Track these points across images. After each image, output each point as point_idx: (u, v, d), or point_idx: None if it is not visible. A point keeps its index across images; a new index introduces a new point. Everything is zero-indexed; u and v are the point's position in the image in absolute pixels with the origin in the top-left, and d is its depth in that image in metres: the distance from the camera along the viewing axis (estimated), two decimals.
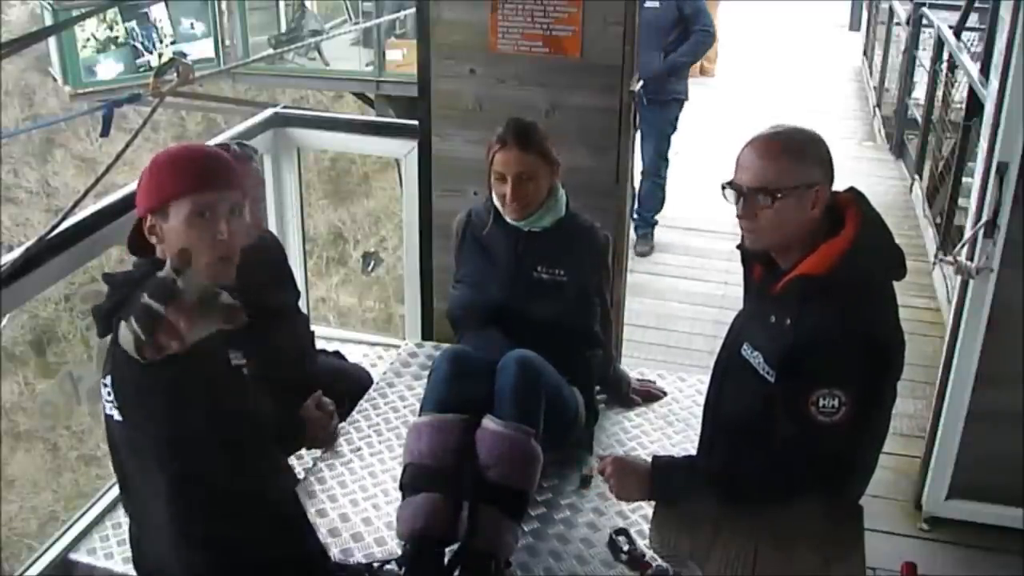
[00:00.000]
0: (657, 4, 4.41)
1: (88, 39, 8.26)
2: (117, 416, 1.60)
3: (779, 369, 1.73)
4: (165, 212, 1.62)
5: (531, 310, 2.41)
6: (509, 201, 2.39)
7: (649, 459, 1.93)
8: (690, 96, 4.79)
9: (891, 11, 7.82)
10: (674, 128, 4.75)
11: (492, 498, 2.05)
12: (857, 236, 1.72)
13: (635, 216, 4.66)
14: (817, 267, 1.71)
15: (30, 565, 2.27)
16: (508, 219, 2.44)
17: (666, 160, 4.80)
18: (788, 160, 1.73)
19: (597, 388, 2.72)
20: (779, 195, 1.71)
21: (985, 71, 3.79)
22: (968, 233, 2.62)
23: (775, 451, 1.75)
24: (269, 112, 3.24)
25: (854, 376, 1.68)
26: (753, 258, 1.89)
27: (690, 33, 4.56)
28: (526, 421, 2.14)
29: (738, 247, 1.90)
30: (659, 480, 1.86)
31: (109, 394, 1.59)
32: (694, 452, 2.54)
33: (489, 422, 2.13)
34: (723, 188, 1.78)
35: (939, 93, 5.44)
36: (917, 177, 5.75)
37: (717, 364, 1.97)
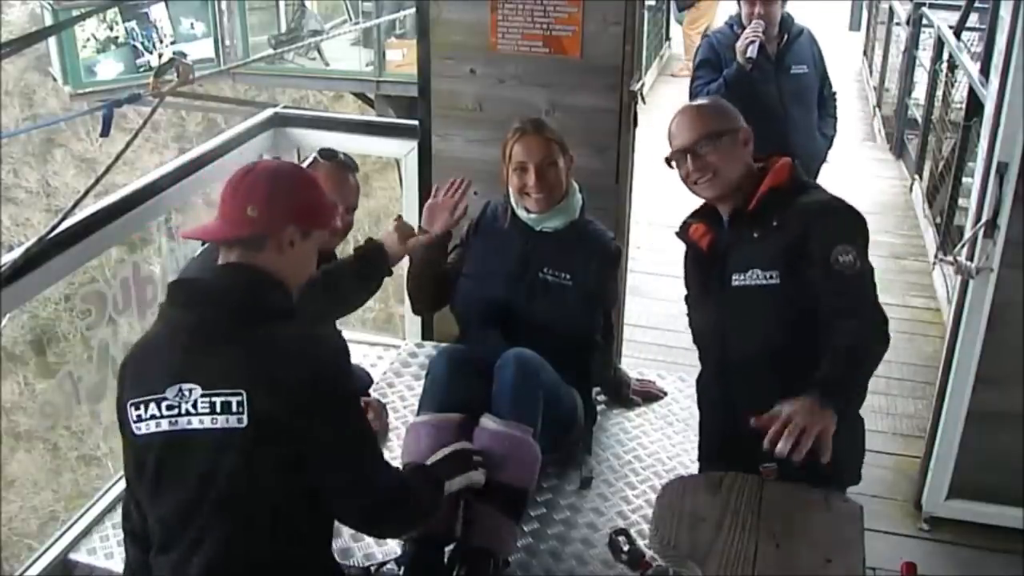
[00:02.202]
0: (805, 69, 3.61)
1: (88, 39, 8.27)
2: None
3: (781, 266, 1.95)
4: (310, 234, 1.69)
5: (532, 311, 2.40)
6: (533, 191, 2.38)
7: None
8: None
9: (891, 11, 7.83)
10: None
11: (491, 497, 2.05)
12: (789, 162, 2.08)
13: None
14: (777, 181, 2.04)
15: (30, 565, 2.27)
16: (528, 212, 2.42)
17: None
18: (713, 112, 2.12)
19: (597, 389, 2.72)
20: (721, 136, 2.04)
21: (985, 71, 3.79)
22: (968, 233, 2.62)
23: (851, 317, 1.89)
24: (269, 112, 3.24)
25: (852, 233, 1.93)
26: (695, 223, 2.15)
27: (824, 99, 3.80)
28: (524, 420, 2.14)
29: (676, 233, 2.19)
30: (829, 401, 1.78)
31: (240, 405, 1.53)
32: (694, 452, 2.55)
33: (487, 421, 2.13)
34: (668, 161, 2.10)
35: (939, 93, 5.45)
36: (917, 177, 5.75)
37: (709, 308, 2.15)
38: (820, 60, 3.67)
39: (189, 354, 1.56)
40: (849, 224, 1.96)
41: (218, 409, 1.52)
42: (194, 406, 1.53)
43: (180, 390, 1.54)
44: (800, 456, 1.70)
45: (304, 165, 2.33)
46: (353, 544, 2.18)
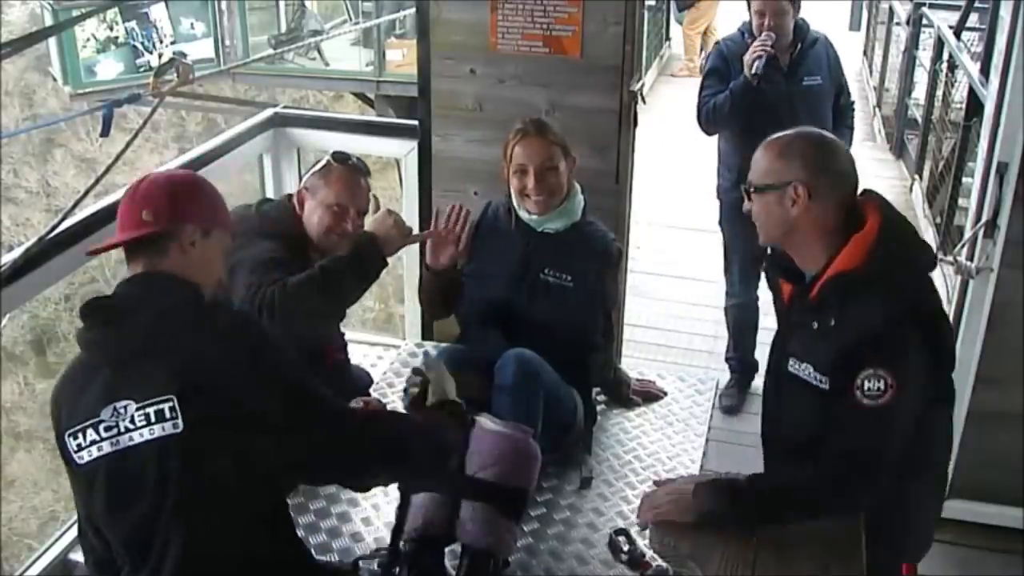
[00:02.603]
0: (818, 80, 3.39)
1: (88, 39, 8.26)
2: None
3: (831, 373, 1.72)
4: (210, 233, 1.73)
5: (533, 312, 2.40)
6: (533, 193, 2.37)
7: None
8: (695, 101, 4.34)
9: (891, 11, 7.83)
10: None
11: (490, 498, 2.03)
12: (881, 229, 1.73)
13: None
14: (848, 263, 1.72)
15: (30, 565, 2.27)
16: (529, 213, 2.42)
17: None
18: (766, 158, 1.81)
19: (597, 390, 2.71)
20: (753, 190, 1.81)
21: (985, 71, 3.79)
22: (968, 233, 2.63)
23: (824, 452, 1.70)
24: (269, 112, 3.25)
25: (899, 357, 1.66)
26: (778, 273, 1.91)
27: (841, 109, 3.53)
28: (525, 420, 2.13)
29: (763, 270, 1.98)
30: (703, 497, 1.78)
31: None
32: (694, 452, 2.55)
33: (487, 421, 2.12)
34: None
35: (939, 93, 5.45)
36: (917, 177, 5.75)
37: (766, 392, 1.95)
38: (836, 68, 3.47)
39: (117, 371, 1.56)
40: (899, 347, 1.67)
41: (153, 419, 1.53)
42: (131, 421, 1.53)
43: (115, 409, 1.54)
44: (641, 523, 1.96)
45: (317, 168, 2.32)
46: (353, 544, 2.18)
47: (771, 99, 3.21)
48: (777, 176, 1.77)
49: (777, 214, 1.78)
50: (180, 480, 1.53)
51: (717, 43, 3.51)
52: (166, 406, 1.52)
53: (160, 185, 1.67)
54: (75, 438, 1.57)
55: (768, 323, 2.09)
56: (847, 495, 1.71)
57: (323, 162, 2.32)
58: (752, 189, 1.81)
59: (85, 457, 1.56)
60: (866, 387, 1.64)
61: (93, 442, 1.55)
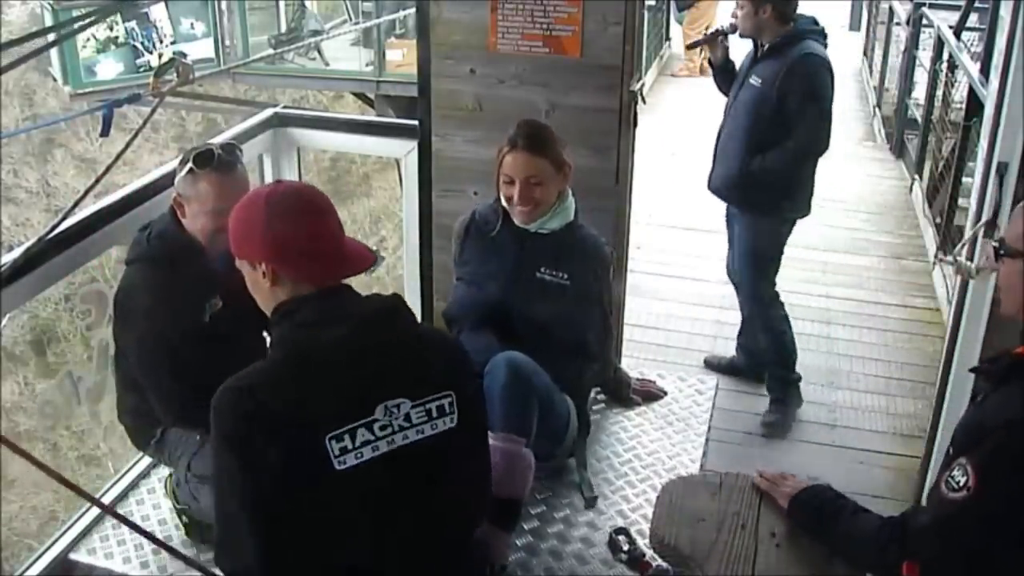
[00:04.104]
0: (758, 84, 3.32)
1: (88, 39, 8.25)
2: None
3: (954, 444, 1.55)
4: None
5: (530, 311, 2.38)
6: (516, 204, 2.36)
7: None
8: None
9: (891, 11, 7.83)
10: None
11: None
12: None
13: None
14: None
15: (30, 565, 2.27)
16: (516, 221, 2.41)
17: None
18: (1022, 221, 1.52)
19: (597, 390, 2.71)
20: (1002, 253, 1.54)
21: (985, 71, 3.80)
22: (968, 233, 2.62)
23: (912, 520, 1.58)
24: (269, 112, 3.24)
25: (1002, 461, 1.41)
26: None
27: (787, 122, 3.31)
28: (516, 428, 2.09)
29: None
30: (795, 509, 1.79)
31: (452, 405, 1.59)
32: (694, 452, 2.55)
33: None
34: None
35: (939, 93, 5.45)
36: (917, 177, 5.75)
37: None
38: (790, 82, 3.23)
39: (377, 372, 1.55)
40: (1007, 450, 1.43)
41: (435, 414, 1.56)
42: (407, 419, 1.53)
43: (387, 408, 1.53)
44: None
45: (183, 173, 2.16)
46: None
47: (730, 92, 3.47)
48: None
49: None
50: (453, 476, 1.60)
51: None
52: (445, 401, 1.57)
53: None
54: (339, 441, 1.48)
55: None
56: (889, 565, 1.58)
57: (185, 168, 2.16)
58: (1002, 252, 1.53)
59: (352, 460, 1.49)
60: (953, 473, 1.45)
61: (367, 442, 1.50)
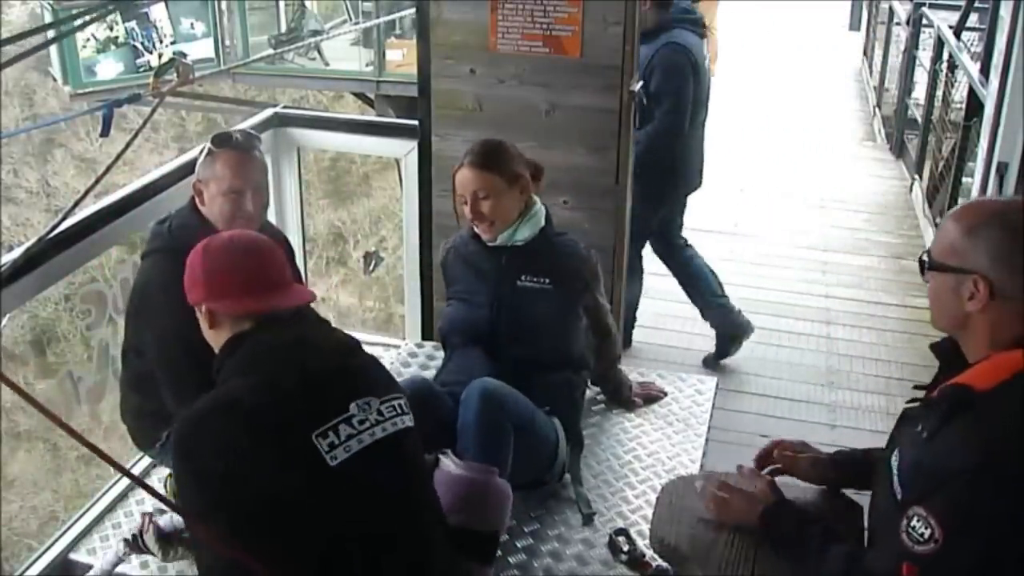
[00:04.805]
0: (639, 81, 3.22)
1: (88, 39, 8.26)
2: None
3: (903, 486, 1.48)
4: None
5: (518, 320, 2.37)
6: (471, 221, 2.35)
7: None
8: None
9: (891, 11, 7.83)
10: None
11: (457, 543, 1.83)
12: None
13: None
14: (980, 379, 1.43)
15: (30, 565, 2.27)
16: (483, 238, 2.40)
17: None
18: (950, 234, 1.49)
19: (597, 389, 2.71)
20: (928, 267, 1.52)
21: (985, 71, 3.79)
22: None
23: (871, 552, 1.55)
24: (269, 112, 3.25)
25: (967, 513, 1.36)
26: (942, 357, 1.62)
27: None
28: (488, 458, 2.03)
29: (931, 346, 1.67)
30: (770, 521, 1.73)
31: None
32: (694, 452, 2.55)
33: (448, 463, 2.02)
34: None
35: (939, 93, 5.45)
36: (917, 177, 5.75)
37: (876, 469, 1.70)
38: (652, 74, 3.32)
39: (340, 372, 1.64)
40: (974, 500, 1.36)
41: (398, 411, 1.66)
42: (379, 414, 1.62)
43: (359, 405, 1.60)
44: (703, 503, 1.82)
45: (202, 157, 2.22)
46: None
47: None
48: (959, 258, 1.46)
49: (949, 304, 1.49)
50: (418, 466, 1.71)
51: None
52: (401, 401, 1.68)
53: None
54: (325, 437, 1.53)
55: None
56: None
57: (205, 150, 2.22)
58: (926, 267, 1.51)
59: (343, 453, 1.54)
60: (913, 524, 1.40)
61: (350, 436, 1.56)
